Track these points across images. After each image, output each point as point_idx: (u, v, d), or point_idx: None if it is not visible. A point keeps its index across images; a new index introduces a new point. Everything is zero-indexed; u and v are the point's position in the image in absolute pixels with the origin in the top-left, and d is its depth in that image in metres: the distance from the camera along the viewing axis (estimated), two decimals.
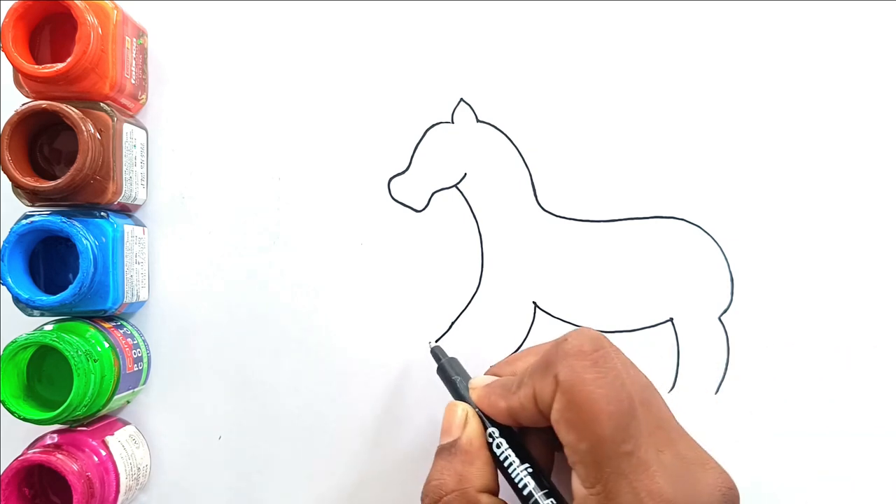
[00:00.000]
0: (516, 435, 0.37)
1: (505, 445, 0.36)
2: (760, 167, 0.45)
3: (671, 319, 0.45)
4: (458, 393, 0.39)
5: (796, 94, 0.45)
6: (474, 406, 0.38)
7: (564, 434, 0.32)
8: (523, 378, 0.35)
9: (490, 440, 0.36)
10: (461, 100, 0.45)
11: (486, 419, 0.37)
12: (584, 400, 0.32)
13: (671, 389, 0.44)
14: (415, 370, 0.45)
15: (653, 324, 0.45)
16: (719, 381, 0.44)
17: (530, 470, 0.35)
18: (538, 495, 0.34)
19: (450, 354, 0.42)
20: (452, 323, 0.45)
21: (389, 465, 0.45)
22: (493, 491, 0.36)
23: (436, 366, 0.42)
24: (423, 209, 0.45)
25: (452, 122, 0.45)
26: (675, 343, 0.45)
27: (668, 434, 0.34)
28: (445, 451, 0.37)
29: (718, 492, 0.33)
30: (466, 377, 0.40)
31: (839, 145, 0.45)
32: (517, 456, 0.35)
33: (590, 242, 0.45)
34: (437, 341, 0.44)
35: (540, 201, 0.45)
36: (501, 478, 0.36)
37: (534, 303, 0.45)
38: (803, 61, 0.45)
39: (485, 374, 0.40)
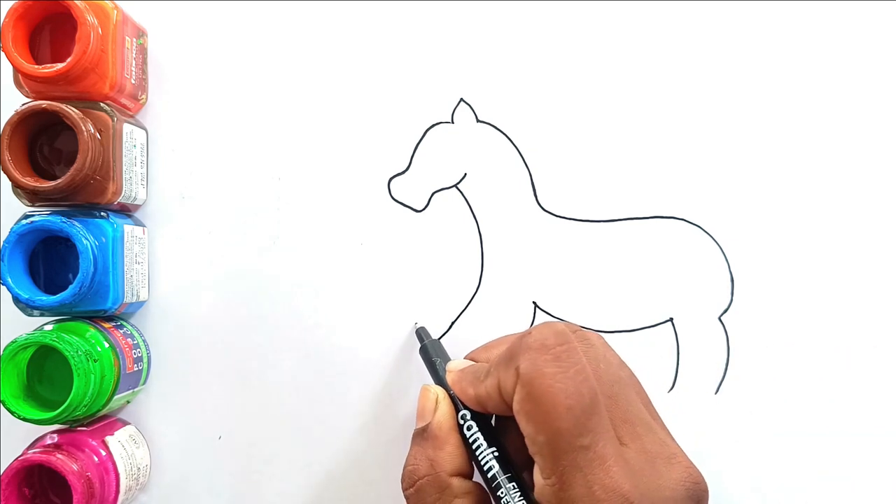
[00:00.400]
0: (488, 419, 0.37)
1: (475, 428, 0.36)
2: (760, 167, 0.45)
3: (671, 319, 0.45)
4: (437, 375, 0.40)
5: (796, 94, 0.45)
6: (449, 389, 0.38)
7: (524, 425, 0.33)
8: (490, 368, 0.36)
9: (462, 422, 0.37)
10: (461, 100, 0.45)
11: (459, 402, 0.37)
12: (542, 393, 0.32)
13: (671, 389, 0.44)
14: (415, 370, 0.45)
15: (653, 324, 0.45)
16: (719, 381, 0.44)
17: (496, 454, 0.35)
18: (501, 478, 0.34)
19: (424, 329, 0.43)
20: (452, 323, 0.45)
21: (389, 464, 0.45)
22: (466, 474, 0.36)
23: (419, 346, 0.42)
24: (423, 209, 0.45)
25: (452, 122, 0.45)
26: (675, 343, 0.45)
27: (634, 428, 0.34)
28: (418, 435, 0.37)
29: (682, 486, 0.32)
30: (447, 359, 0.40)
31: (839, 145, 0.45)
32: (485, 440, 0.36)
33: (590, 242, 0.45)
34: (439, 339, 0.44)
35: (540, 201, 0.45)
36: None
37: (534, 303, 0.45)
38: (803, 61, 0.45)
39: (464, 358, 0.40)
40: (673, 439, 0.35)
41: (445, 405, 0.37)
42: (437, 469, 0.35)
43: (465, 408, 0.37)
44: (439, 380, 0.39)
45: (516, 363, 0.33)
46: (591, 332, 0.36)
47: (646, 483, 0.32)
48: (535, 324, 0.45)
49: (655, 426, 0.35)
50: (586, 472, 0.31)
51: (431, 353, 0.41)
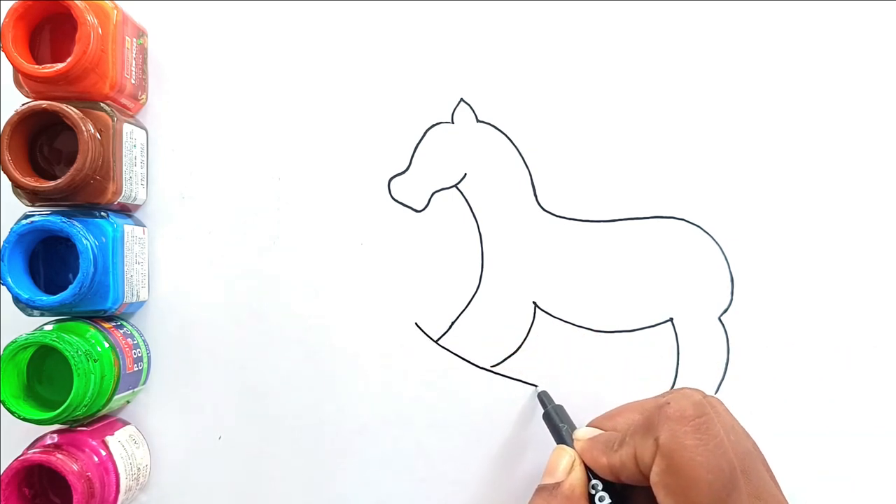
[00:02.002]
0: (618, 490, 0.37)
1: (607, 500, 0.36)
2: (760, 167, 0.45)
3: (671, 319, 0.45)
4: (563, 440, 0.40)
5: (796, 94, 0.45)
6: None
7: (663, 497, 0.33)
8: (625, 437, 0.35)
9: (592, 492, 0.37)
10: (461, 100, 0.45)
11: (590, 470, 0.37)
12: (683, 466, 0.32)
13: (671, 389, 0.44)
14: (415, 370, 0.45)
15: (653, 324, 0.45)
16: (719, 381, 0.44)
17: None
18: None
19: (546, 392, 0.44)
20: (452, 323, 0.45)
21: (389, 464, 0.45)
22: None
23: (542, 411, 0.43)
24: (423, 209, 0.45)
25: (452, 122, 0.45)
26: (675, 343, 0.45)
27: None
28: (546, 491, 0.37)
29: None
30: (572, 425, 0.41)
31: (839, 145, 0.45)
32: None
33: (590, 242, 0.45)
34: (438, 339, 0.44)
35: (540, 201, 0.45)
36: None
37: (534, 303, 0.45)
38: (803, 61, 0.45)
39: (586, 426, 0.40)
40: None
41: (580, 470, 0.37)
42: None
43: (596, 476, 0.37)
44: (563, 444, 0.39)
45: (655, 433, 0.33)
46: (714, 398, 0.35)
47: None
48: (534, 324, 0.45)
49: (783, 500, 0.35)
50: None
51: (557, 418, 0.41)
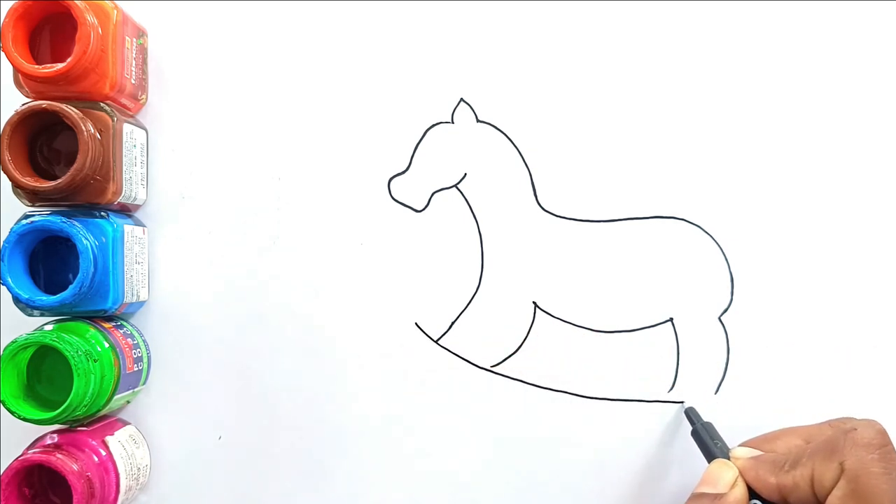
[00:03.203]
0: None
1: None
2: (760, 167, 0.45)
3: (671, 319, 0.45)
4: (714, 456, 0.40)
5: (796, 94, 0.45)
6: None
7: None
8: (800, 458, 0.36)
9: None
10: (461, 100, 0.45)
11: (751, 489, 0.38)
12: (869, 491, 0.33)
13: (671, 389, 0.44)
14: (415, 370, 0.45)
15: (653, 324, 0.45)
16: (719, 381, 0.44)
17: None
18: None
19: (693, 409, 0.43)
20: (452, 323, 0.45)
21: (390, 464, 0.45)
22: None
23: (690, 428, 0.43)
24: (423, 209, 0.45)
25: (452, 122, 0.45)
26: (675, 343, 0.45)
27: None
28: (707, 498, 0.38)
29: None
30: (724, 444, 0.41)
31: (839, 145, 0.45)
32: None
33: (590, 242, 0.45)
34: (438, 340, 0.44)
35: (540, 201, 0.45)
36: None
37: (534, 303, 0.45)
38: (803, 61, 0.45)
39: (740, 446, 0.40)
40: None
41: (743, 487, 0.38)
42: None
43: (757, 496, 0.37)
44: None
45: (840, 458, 0.34)
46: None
47: None
48: (534, 324, 0.45)
49: None
50: None
51: (705, 436, 0.41)
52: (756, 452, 0.39)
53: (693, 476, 0.44)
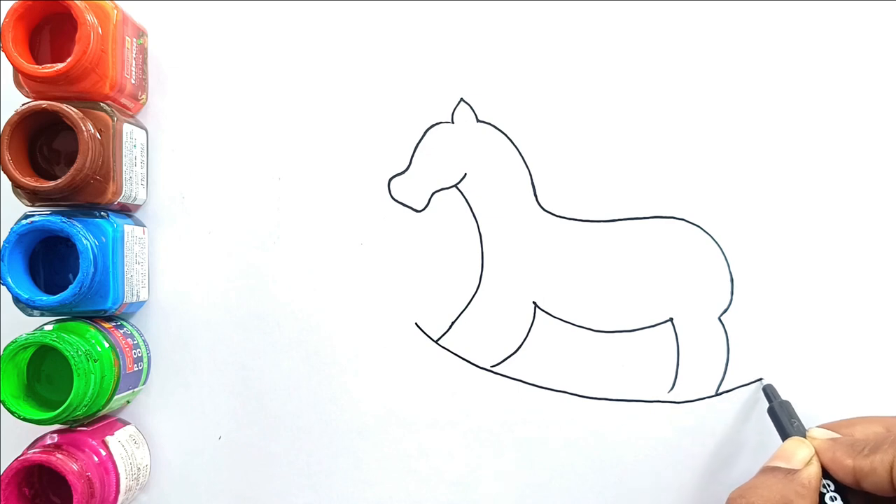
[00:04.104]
0: (851, 495, 0.37)
1: (839, 500, 0.36)
2: (761, 167, 0.45)
3: (671, 319, 0.45)
4: (789, 436, 0.40)
5: (796, 94, 0.45)
6: None
7: None
8: (881, 445, 0.36)
9: (824, 490, 0.37)
10: (461, 100, 0.45)
11: (825, 470, 0.38)
12: None
13: (671, 389, 0.44)
14: (415, 370, 0.45)
15: (653, 324, 0.45)
16: (719, 381, 0.44)
17: None
18: None
19: (771, 386, 0.43)
20: (452, 323, 0.45)
21: (390, 464, 0.45)
22: None
23: (767, 405, 0.42)
24: (423, 209, 0.45)
25: (452, 122, 0.45)
26: (675, 343, 0.45)
27: None
28: (780, 472, 0.37)
29: None
30: (801, 423, 0.41)
31: (839, 145, 0.45)
32: None
33: (590, 242, 0.45)
34: (438, 340, 0.44)
35: (540, 201, 0.45)
36: None
37: (534, 303, 0.45)
38: (803, 61, 0.45)
39: (817, 427, 0.40)
40: None
41: (817, 465, 0.38)
42: None
43: (830, 478, 0.37)
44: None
45: None
46: None
47: None
48: (534, 324, 0.45)
49: None
50: None
51: (786, 413, 0.41)
52: (834, 435, 0.39)
53: (693, 476, 0.44)
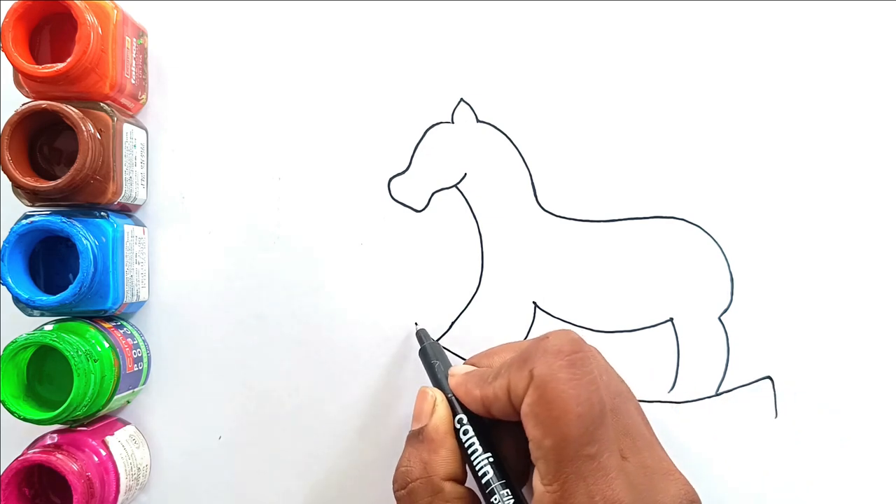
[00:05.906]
0: (486, 425, 0.37)
1: (471, 433, 0.36)
2: (760, 167, 0.45)
3: (671, 319, 0.45)
4: (436, 377, 0.40)
5: (796, 94, 0.45)
6: (448, 392, 0.38)
7: (531, 428, 0.33)
8: (500, 369, 0.36)
9: (458, 426, 0.37)
10: (461, 100, 0.45)
11: (458, 406, 0.37)
12: (554, 397, 0.32)
13: (671, 389, 0.44)
14: (415, 370, 0.45)
15: (653, 324, 0.45)
16: (719, 381, 0.44)
17: (492, 459, 0.35)
18: (496, 485, 0.35)
19: (424, 330, 0.43)
20: (452, 323, 0.45)
21: (390, 464, 0.45)
22: (459, 479, 0.36)
23: (418, 347, 0.42)
24: (423, 209, 0.45)
25: (452, 122, 0.45)
26: (675, 343, 0.45)
27: (634, 442, 0.34)
28: (414, 437, 0.37)
29: (678, 502, 0.33)
30: (447, 363, 0.40)
31: (839, 145, 0.45)
32: (481, 445, 0.36)
33: (590, 242, 0.45)
34: (438, 339, 0.44)
35: (540, 201, 0.45)
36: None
37: (534, 303, 0.45)
38: (803, 61, 0.45)
39: (464, 363, 0.40)
40: (668, 456, 0.35)
41: (443, 408, 0.37)
42: (430, 472, 0.36)
43: (464, 412, 0.37)
44: (437, 382, 0.39)
45: (531, 366, 0.33)
46: (591, 346, 0.36)
47: (644, 498, 0.32)
48: (534, 324, 0.45)
49: (654, 441, 0.35)
50: (589, 482, 0.31)
51: (431, 355, 0.41)
52: (471, 368, 0.39)
53: (693, 476, 0.44)
